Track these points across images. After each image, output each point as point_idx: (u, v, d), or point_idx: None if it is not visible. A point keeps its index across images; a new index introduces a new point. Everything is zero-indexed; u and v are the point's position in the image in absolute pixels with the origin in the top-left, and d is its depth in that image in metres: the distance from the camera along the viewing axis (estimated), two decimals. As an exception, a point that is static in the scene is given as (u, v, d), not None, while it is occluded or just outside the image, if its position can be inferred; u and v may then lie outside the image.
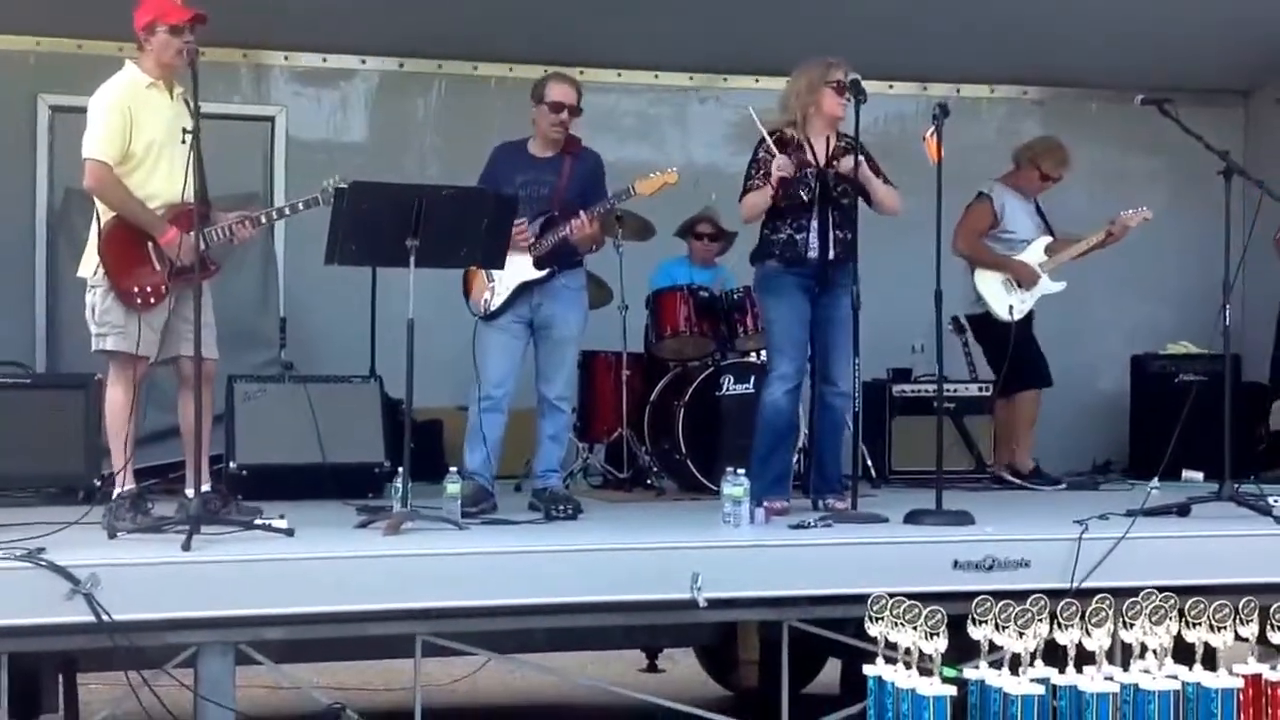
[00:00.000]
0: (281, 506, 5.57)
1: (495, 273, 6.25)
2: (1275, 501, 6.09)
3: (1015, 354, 7.58)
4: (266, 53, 8.48)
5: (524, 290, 6.32)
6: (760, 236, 6.31)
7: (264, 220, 5.80)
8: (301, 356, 7.81)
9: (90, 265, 5.63)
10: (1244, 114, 9.72)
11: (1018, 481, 7.65)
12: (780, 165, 6.05)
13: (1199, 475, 7.14)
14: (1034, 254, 7.67)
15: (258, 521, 5.24)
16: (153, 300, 5.55)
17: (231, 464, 6.71)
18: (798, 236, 6.15)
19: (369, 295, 7.66)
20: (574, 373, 6.88)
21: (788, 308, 6.17)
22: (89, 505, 5.43)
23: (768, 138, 6.17)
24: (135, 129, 5.55)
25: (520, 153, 6.48)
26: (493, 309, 6.33)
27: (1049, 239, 7.74)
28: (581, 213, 6.28)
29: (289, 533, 5.10)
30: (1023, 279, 7.62)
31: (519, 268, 6.24)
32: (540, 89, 6.43)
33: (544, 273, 6.31)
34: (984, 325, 7.76)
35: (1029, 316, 7.68)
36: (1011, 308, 7.56)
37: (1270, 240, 7.74)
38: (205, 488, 5.63)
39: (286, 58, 8.64)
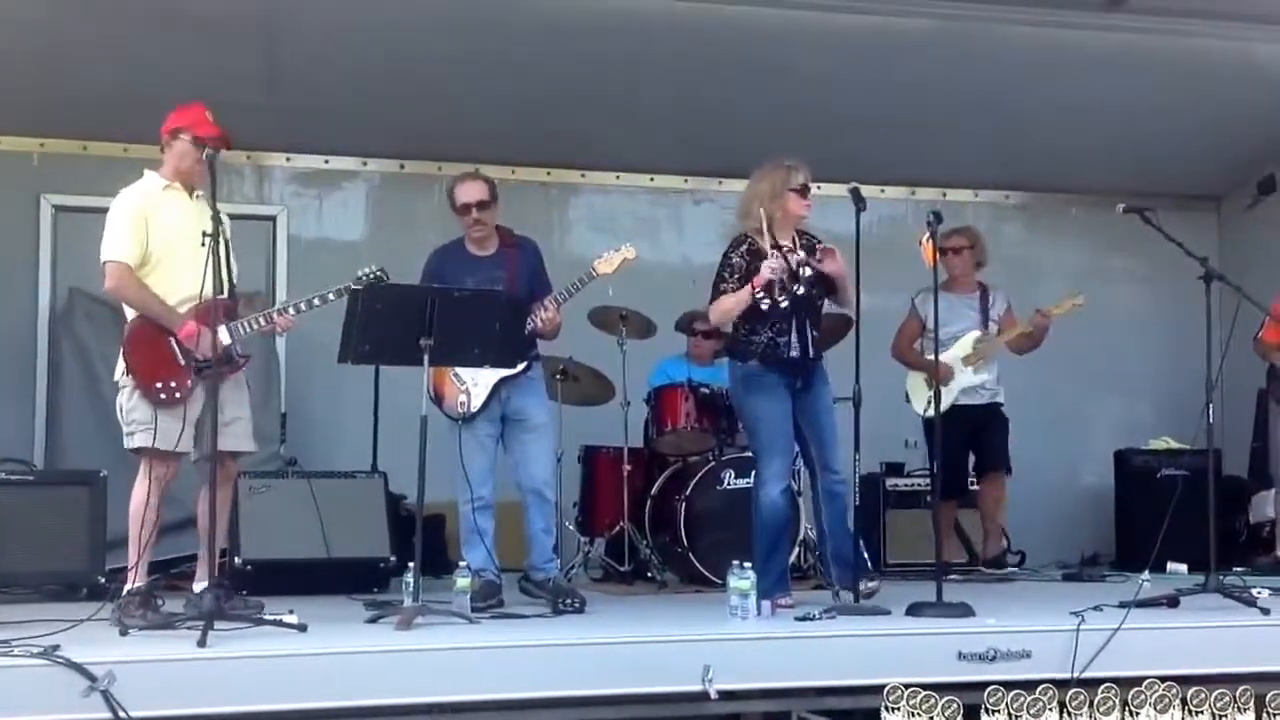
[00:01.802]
0: (287, 602, 5.60)
1: (466, 375, 6.35)
2: (1259, 593, 6.24)
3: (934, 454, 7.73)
4: (269, 154, 8.65)
5: (497, 387, 6.41)
6: (735, 337, 6.35)
7: (303, 308, 5.87)
8: (302, 452, 7.90)
9: (119, 366, 5.74)
10: (1217, 219, 10.03)
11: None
12: (775, 268, 6.10)
13: (1183, 567, 7.28)
14: (959, 349, 7.76)
15: (270, 617, 5.28)
16: (177, 395, 5.63)
17: (237, 559, 6.75)
18: (780, 340, 6.20)
19: (370, 392, 7.79)
20: (554, 459, 6.93)
21: (773, 405, 6.21)
22: (94, 602, 5.47)
23: (762, 237, 6.21)
24: (152, 230, 5.71)
25: (460, 254, 6.53)
26: (473, 410, 6.41)
27: (978, 332, 7.82)
28: (547, 303, 6.38)
29: (301, 628, 5.15)
30: (936, 378, 7.55)
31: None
32: (450, 195, 6.53)
33: (522, 366, 6.39)
34: (926, 426, 7.72)
35: (974, 416, 7.76)
36: (929, 401, 7.33)
37: (1248, 339, 7.93)
38: (201, 585, 5.66)
39: (288, 159, 8.83)
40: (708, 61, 7.96)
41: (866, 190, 6.30)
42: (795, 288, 6.18)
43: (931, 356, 7.43)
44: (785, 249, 6.23)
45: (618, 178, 9.28)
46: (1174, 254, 6.70)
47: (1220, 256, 8.38)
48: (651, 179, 9.36)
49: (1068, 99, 8.47)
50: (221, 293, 5.45)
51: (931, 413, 7.38)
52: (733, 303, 6.21)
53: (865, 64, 8.04)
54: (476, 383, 6.39)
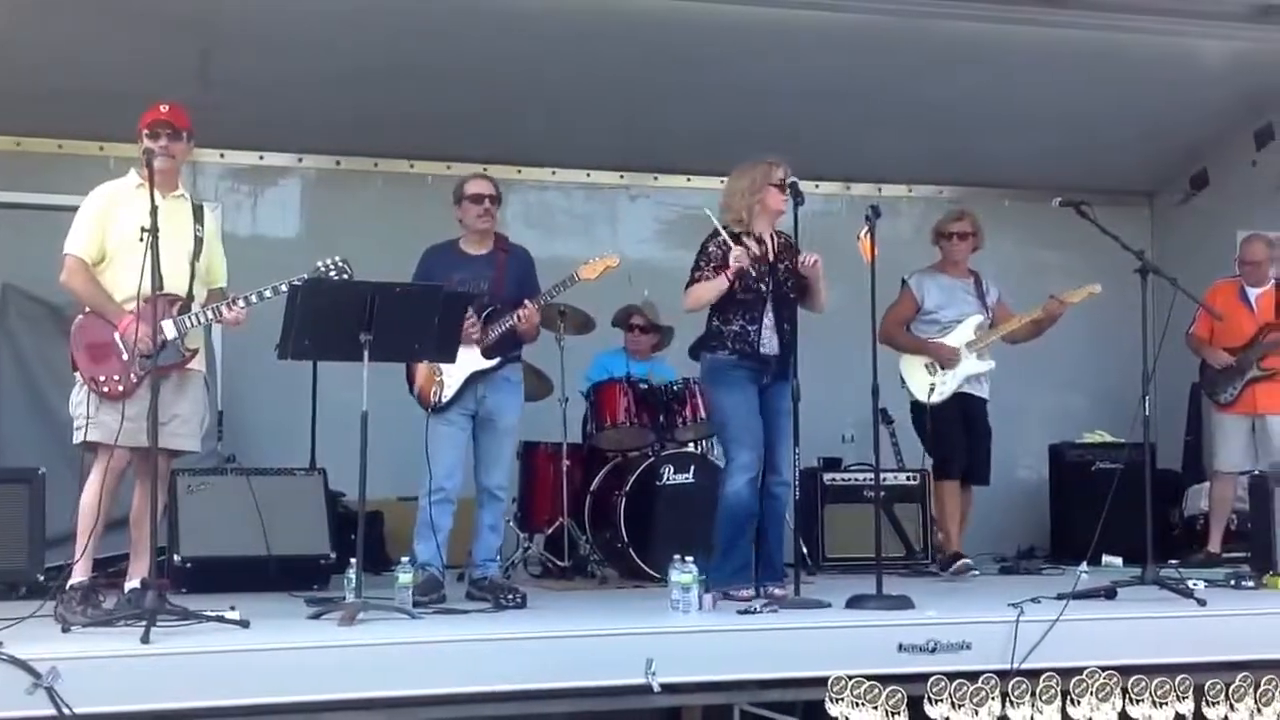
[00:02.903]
0: (227, 599, 5.56)
1: (444, 365, 6.38)
2: (1195, 585, 6.34)
3: (934, 440, 7.71)
4: (203, 150, 8.50)
5: (471, 381, 6.45)
6: (709, 328, 6.43)
7: (253, 300, 5.80)
8: (240, 449, 7.87)
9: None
10: (1150, 214, 10.18)
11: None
12: (738, 255, 6.21)
13: (1118, 560, 7.37)
14: (961, 334, 7.62)
15: (211, 613, 5.24)
16: (120, 389, 5.59)
17: (176, 557, 6.70)
18: (750, 329, 6.31)
19: (308, 389, 7.75)
20: (514, 462, 7.01)
21: (742, 398, 6.30)
22: (34, 600, 5.41)
23: (722, 230, 6.34)
24: (111, 228, 5.68)
25: (452, 252, 6.65)
26: (443, 401, 6.45)
27: (980, 318, 7.68)
28: (527, 302, 6.47)
29: (244, 624, 5.11)
30: (942, 360, 7.56)
31: (469, 359, 6.38)
32: (459, 189, 6.70)
33: (494, 362, 6.46)
34: (916, 411, 7.74)
35: (971, 407, 7.63)
36: (932, 388, 7.55)
37: (1182, 334, 8.04)
38: (135, 583, 5.64)
39: (223, 155, 8.76)
40: (643, 57, 7.97)
41: (802, 185, 6.32)
42: (767, 278, 6.25)
43: (931, 339, 7.57)
44: (756, 236, 6.31)
45: (554, 174, 9.29)
46: (1107, 248, 6.79)
47: (1153, 251, 8.52)
48: (588, 175, 9.38)
49: (1001, 94, 8.55)
50: (161, 289, 5.40)
51: (935, 400, 7.53)
52: (706, 290, 6.30)
53: (800, 59, 8.07)
54: (451, 372, 6.40)
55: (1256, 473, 7.88)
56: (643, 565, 7.13)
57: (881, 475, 7.47)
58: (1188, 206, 9.91)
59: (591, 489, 7.62)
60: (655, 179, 9.32)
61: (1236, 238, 8.97)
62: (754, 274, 6.28)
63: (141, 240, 5.34)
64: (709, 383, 6.54)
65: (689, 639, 5.36)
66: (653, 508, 7.27)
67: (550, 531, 7.80)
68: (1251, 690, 5.21)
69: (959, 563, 7.46)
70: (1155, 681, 4.81)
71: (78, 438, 5.67)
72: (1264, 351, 8.06)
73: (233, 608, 5.25)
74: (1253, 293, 8.23)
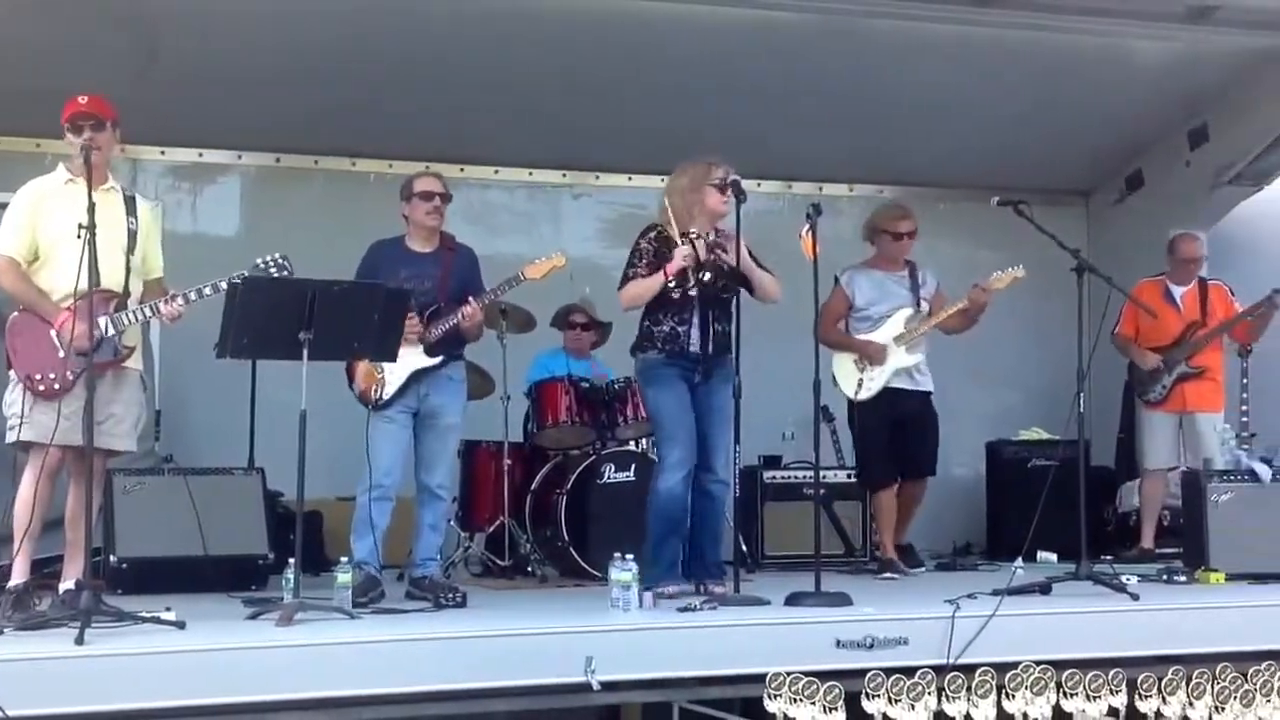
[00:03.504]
0: (164, 600, 5.54)
1: (386, 363, 6.35)
2: (1129, 580, 6.42)
3: (858, 446, 7.77)
4: (142, 148, 8.49)
5: (414, 380, 6.44)
6: (641, 328, 6.46)
7: (193, 297, 5.75)
8: (177, 449, 7.82)
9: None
10: (1086, 213, 10.29)
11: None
12: (686, 255, 6.24)
13: (1053, 556, 7.45)
14: (889, 328, 7.57)
15: (147, 614, 5.21)
16: (56, 387, 5.53)
17: (112, 557, 6.63)
18: (680, 329, 6.33)
19: (247, 388, 7.70)
20: (455, 461, 7.00)
21: (673, 396, 6.32)
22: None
23: (671, 226, 6.33)
24: (42, 225, 5.62)
25: (399, 249, 6.63)
26: (384, 398, 6.43)
27: (910, 310, 7.61)
28: (471, 299, 6.45)
29: (180, 625, 5.09)
30: (870, 356, 7.54)
31: (411, 357, 6.37)
32: (408, 186, 6.67)
33: (436, 360, 6.45)
34: (852, 410, 7.74)
35: (905, 402, 7.62)
36: (860, 384, 7.54)
37: (1109, 334, 8.12)
38: (69, 584, 5.59)
39: (162, 152, 8.69)
40: (586, 56, 7.97)
41: (744, 184, 6.33)
42: (702, 275, 6.28)
43: (861, 336, 7.56)
44: (693, 235, 6.32)
45: (496, 172, 9.28)
46: (1043, 247, 6.85)
47: (1089, 251, 8.58)
48: (530, 174, 9.37)
49: (939, 94, 8.62)
50: (98, 285, 5.36)
51: (863, 396, 7.53)
52: (643, 289, 6.32)
53: (740, 58, 8.11)
54: (392, 370, 6.38)
55: (1185, 469, 8.01)
56: (583, 564, 7.13)
57: (821, 473, 7.53)
58: (1123, 206, 10.02)
59: (532, 488, 7.62)
60: (597, 178, 9.34)
61: (1170, 236, 9.10)
62: (691, 278, 6.27)
63: (79, 237, 5.29)
64: (642, 382, 6.55)
65: (628, 637, 5.39)
66: (593, 506, 7.27)
67: (491, 530, 7.80)
68: (1184, 684, 5.29)
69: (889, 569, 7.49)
70: (1089, 675, 4.88)
71: (11, 437, 5.61)
72: (1191, 350, 8.17)
73: (168, 609, 5.23)
74: (1178, 291, 8.33)
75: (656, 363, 6.37)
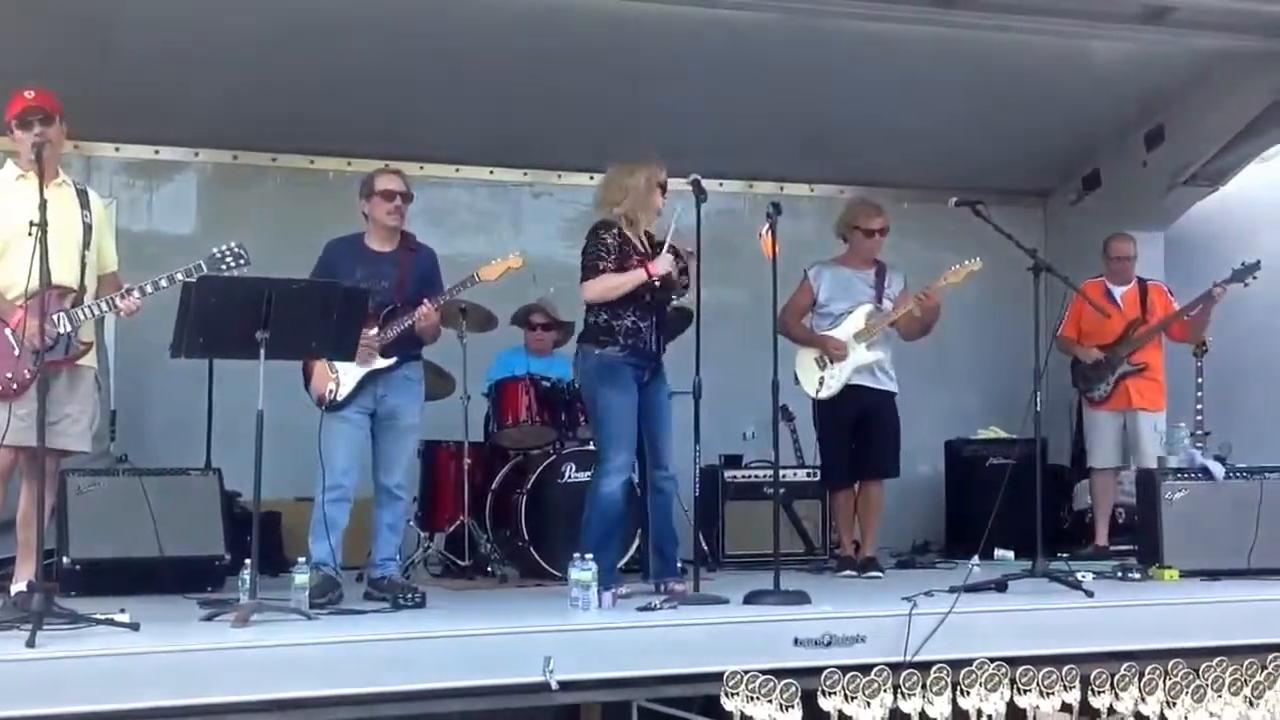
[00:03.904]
0: (118, 602, 5.49)
1: (340, 363, 6.33)
2: (1084, 577, 6.47)
3: (820, 445, 7.74)
4: (97, 144, 8.43)
5: (369, 380, 6.41)
6: (597, 322, 6.36)
7: (149, 290, 5.71)
8: (133, 449, 7.77)
9: None
10: (1043, 214, 10.35)
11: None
12: (668, 264, 6.24)
13: (1010, 554, 7.48)
14: (850, 325, 7.51)
15: (101, 616, 5.17)
16: (14, 387, 5.49)
17: (65, 558, 6.56)
18: (642, 325, 6.32)
19: (204, 387, 7.65)
20: (414, 462, 6.98)
21: (625, 398, 6.28)
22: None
23: (635, 224, 6.33)
24: None
25: (357, 247, 6.59)
26: (339, 399, 6.40)
27: (870, 306, 7.54)
28: (426, 301, 6.41)
29: (134, 627, 5.05)
30: (830, 353, 7.48)
31: (365, 357, 6.32)
32: (369, 183, 6.60)
33: (391, 361, 6.41)
34: (814, 408, 7.69)
35: (867, 401, 7.53)
36: (822, 381, 7.49)
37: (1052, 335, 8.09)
38: (21, 586, 5.55)
39: (117, 149, 8.62)
40: (547, 53, 7.96)
41: (705, 184, 6.32)
42: (656, 280, 6.29)
43: (822, 332, 7.51)
44: (683, 250, 6.32)
45: (457, 170, 9.25)
46: (1001, 247, 6.90)
47: (1046, 251, 8.60)
48: (490, 172, 9.36)
49: (899, 94, 8.64)
50: (50, 283, 5.31)
51: (824, 394, 7.50)
52: (618, 283, 6.25)
53: (702, 58, 8.11)
54: (347, 371, 6.35)
55: (1134, 468, 8.07)
56: (543, 563, 7.12)
57: (781, 472, 7.55)
58: (1080, 206, 10.08)
59: (493, 487, 7.59)
60: (559, 177, 9.33)
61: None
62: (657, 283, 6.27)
63: (31, 234, 5.25)
64: (596, 378, 6.34)
65: (588, 636, 5.39)
66: (553, 506, 7.26)
67: (451, 530, 7.76)
68: (1136, 679, 5.33)
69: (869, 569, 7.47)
70: (1042, 672, 4.91)
71: None
72: (1133, 347, 8.25)
73: (122, 610, 5.18)
74: (1118, 291, 8.41)
75: (617, 360, 6.30)
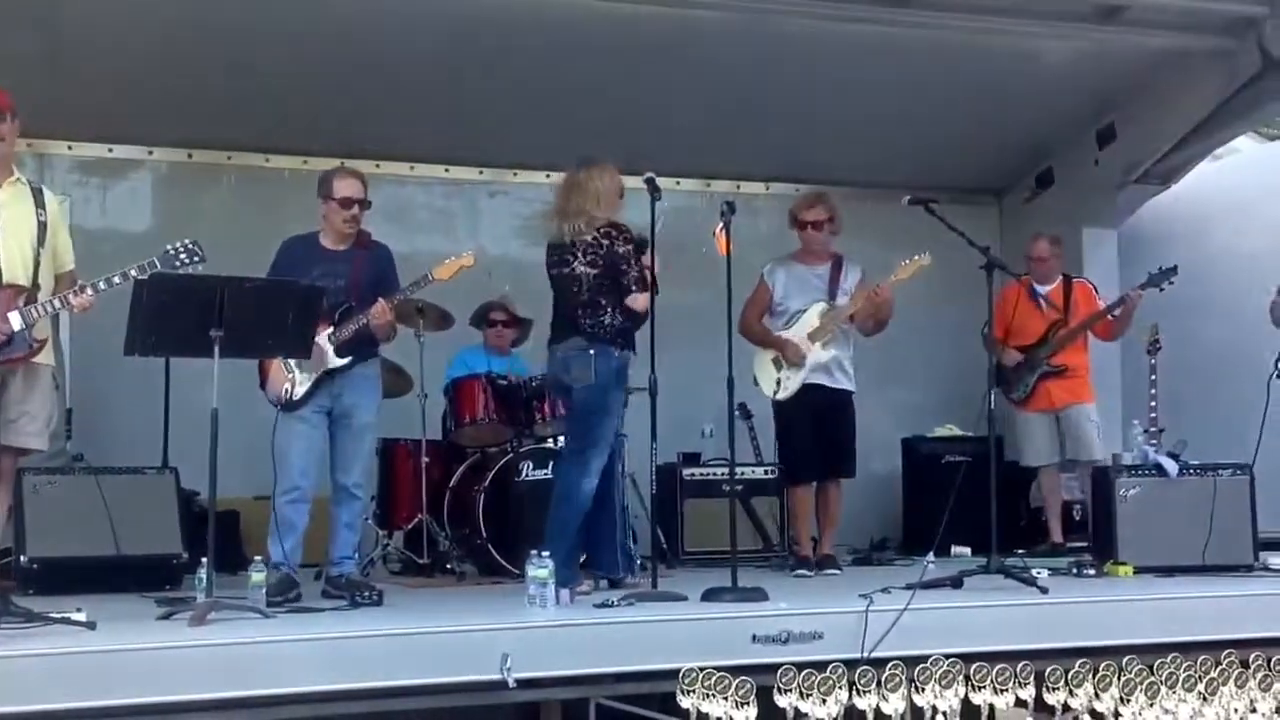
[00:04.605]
0: (75, 600, 5.46)
1: (294, 362, 6.32)
2: (1039, 574, 6.52)
3: (780, 442, 7.77)
4: (50, 142, 8.38)
5: (325, 379, 6.40)
6: (614, 324, 6.38)
7: (102, 287, 5.69)
8: (89, 448, 7.69)
9: None
10: (998, 212, 10.43)
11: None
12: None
13: (967, 551, 7.55)
14: (804, 324, 7.49)
15: (57, 615, 5.14)
16: None
17: (22, 557, 6.52)
18: (634, 331, 6.42)
19: (161, 386, 7.62)
20: (371, 460, 6.96)
21: (620, 405, 6.44)
22: None
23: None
24: None
25: (312, 246, 6.57)
26: (295, 399, 6.38)
27: (824, 304, 7.50)
28: (380, 300, 6.40)
29: (90, 625, 5.02)
30: (787, 354, 7.47)
31: (320, 357, 6.32)
32: (328, 185, 6.55)
33: (346, 360, 6.40)
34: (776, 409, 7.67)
35: (824, 400, 7.49)
36: (779, 383, 7.49)
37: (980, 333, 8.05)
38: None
39: (70, 147, 8.59)
40: (503, 51, 7.97)
41: (661, 182, 6.34)
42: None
43: (778, 332, 7.49)
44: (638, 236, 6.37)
45: (412, 168, 9.25)
46: (955, 246, 6.93)
47: (1001, 248, 8.73)
48: (446, 170, 9.36)
49: (854, 93, 8.70)
50: (2, 281, 5.29)
51: (781, 396, 7.49)
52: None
53: (658, 56, 8.14)
54: (303, 369, 6.33)
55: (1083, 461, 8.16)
56: (502, 561, 7.12)
57: (739, 470, 7.55)
58: (1034, 205, 10.17)
59: (451, 485, 7.60)
60: (515, 175, 9.35)
61: (1081, 235, 9.26)
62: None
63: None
64: (613, 380, 6.37)
65: (545, 634, 5.37)
66: (512, 504, 7.26)
67: (409, 528, 7.77)
68: (1090, 676, 5.37)
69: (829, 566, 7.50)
70: (996, 668, 4.95)
71: None
72: (1054, 349, 8.33)
73: (79, 609, 5.15)
74: (1042, 290, 8.47)
75: (626, 363, 6.40)
